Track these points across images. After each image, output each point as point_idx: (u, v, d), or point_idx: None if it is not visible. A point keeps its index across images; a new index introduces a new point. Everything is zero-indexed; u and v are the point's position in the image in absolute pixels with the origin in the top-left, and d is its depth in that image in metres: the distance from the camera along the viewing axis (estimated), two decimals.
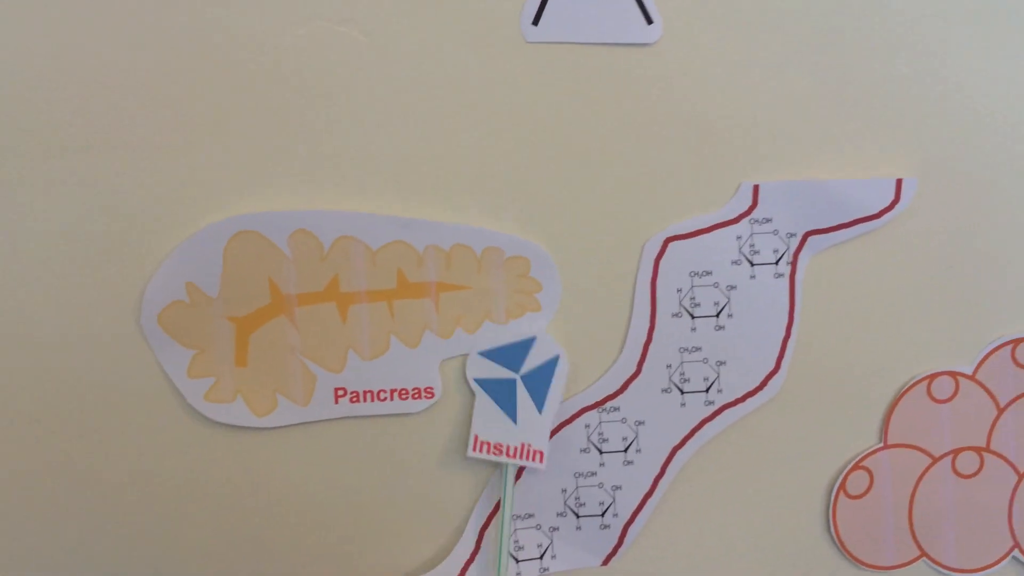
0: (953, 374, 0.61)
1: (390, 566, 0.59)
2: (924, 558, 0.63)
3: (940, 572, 0.63)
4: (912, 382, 0.61)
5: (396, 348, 0.57)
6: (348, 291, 0.56)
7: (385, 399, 0.57)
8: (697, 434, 0.60)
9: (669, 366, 0.59)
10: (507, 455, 0.58)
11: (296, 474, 0.58)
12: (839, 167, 0.59)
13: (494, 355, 0.60)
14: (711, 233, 0.58)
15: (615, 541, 0.61)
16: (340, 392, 0.56)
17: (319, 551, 0.59)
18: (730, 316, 0.59)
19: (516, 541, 0.59)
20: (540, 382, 0.59)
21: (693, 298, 0.59)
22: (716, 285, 0.59)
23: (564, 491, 0.60)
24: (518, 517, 0.59)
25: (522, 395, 0.58)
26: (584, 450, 0.59)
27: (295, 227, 0.54)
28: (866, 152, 0.59)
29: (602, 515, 0.60)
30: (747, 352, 0.59)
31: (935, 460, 0.62)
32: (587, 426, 0.59)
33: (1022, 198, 0.60)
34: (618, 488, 0.60)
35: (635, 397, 0.59)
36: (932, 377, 0.61)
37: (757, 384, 0.60)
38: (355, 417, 0.57)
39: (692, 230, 0.58)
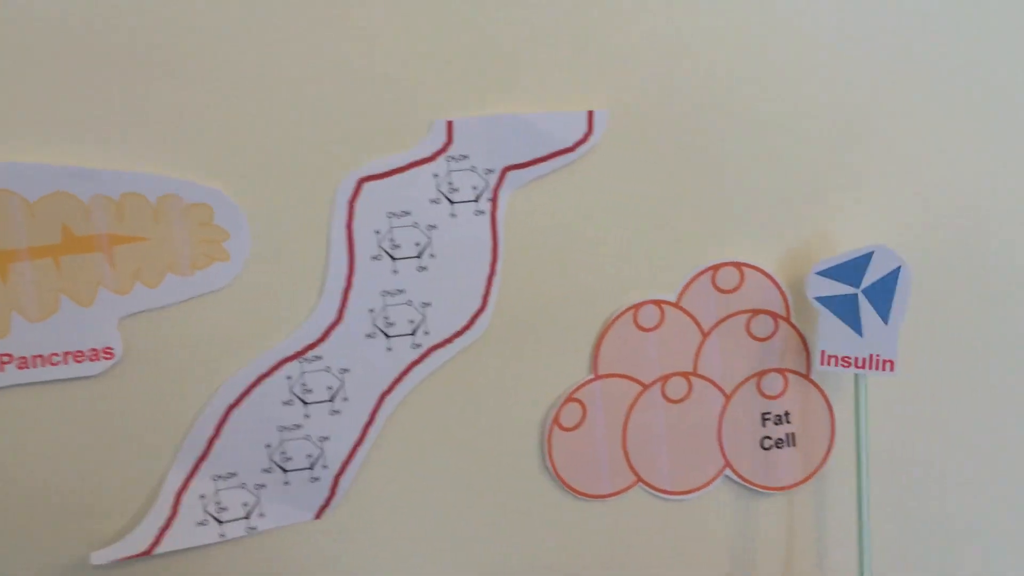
0: (658, 302, 0.62)
1: (79, 538, 0.55)
2: (640, 484, 0.64)
3: (656, 496, 0.64)
4: (618, 312, 0.61)
5: (67, 307, 0.52)
6: (6, 248, 0.50)
7: (58, 363, 0.52)
8: (406, 378, 0.59)
9: (372, 310, 0.57)
10: (856, 366, 0.59)
11: None
12: (533, 101, 0.57)
13: (833, 272, 0.59)
14: (407, 172, 0.56)
15: (327, 493, 0.59)
16: (5, 359, 0.51)
17: None
18: (432, 256, 0.57)
19: (218, 503, 0.56)
20: (884, 294, 0.58)
21: (393, 239, 0.57)
22: (416, 225, 0.57)
23: (268, 446, 0.57)
24: (219, 477, 0.56)
25: (866, 308, 0.58)
26: (287, 403, 0.57)
27: None
28: (560, 85, 0.58)
29: (311, 468, 0.58)
30: (452, 292, 0.58)
31: (645, 387, 0.63)
32: (289, 377, 0.56)
33: (715, 129, 0.61)
34: (326, 439, 0.58)
35: (338, 344, 0.57)
36: (638, 306, 0.61)
37: (464, 324, 0.59)
38: (25, 384, 0.52)
39: (387, 169, 0.56)
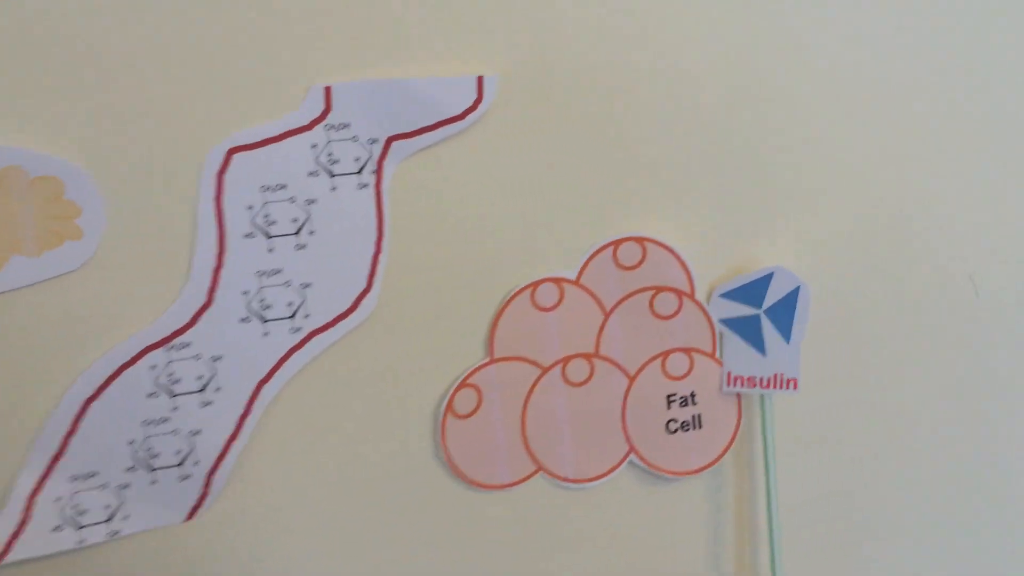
0: (557, 280, 0.58)
1: None
2: (541, 472, 0.60)
3: (558, 485, 0.61)
4: (515, 291, 0.57)
5: None
6: None
7: None
8: (285, 365, 0.54)
9: (246, 293, 0.52)
10: (761, 386, 0.60)
11: None
12: (420, 65, 0.53)
13: (735, 294, 0.61)
14: (282, 142, 0.52)
15: (199, 492, 0.54)
16: None
17: None
18: (312, 233, 0.53)
19: (77, 505, 0.51)
20: (785, 313, 0.60)
21: (267, 215, 0.52)
22: (293, 200, 0.52)
23: (132, 443, 0.52)
24: (77, 478, 0.51)
25: (768, 328, 0.59)
26: (152, 394, 0.51)
27: None
28: (448, 48, 0.53)
29: (180, 465, 0.53)
30: (334, 272, 0.54)
31: (545, 370, 0.59)
32: (153, 367, 0.51)
33: (616, 96, 0.58)
34: (197, 433, 0.53)
35: (209, 330, 0.52)
36: (535, 285, 0.58)
37: (348, 306, 0.54)
38: None
39: (259, 139, 0.51)
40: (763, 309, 0.62)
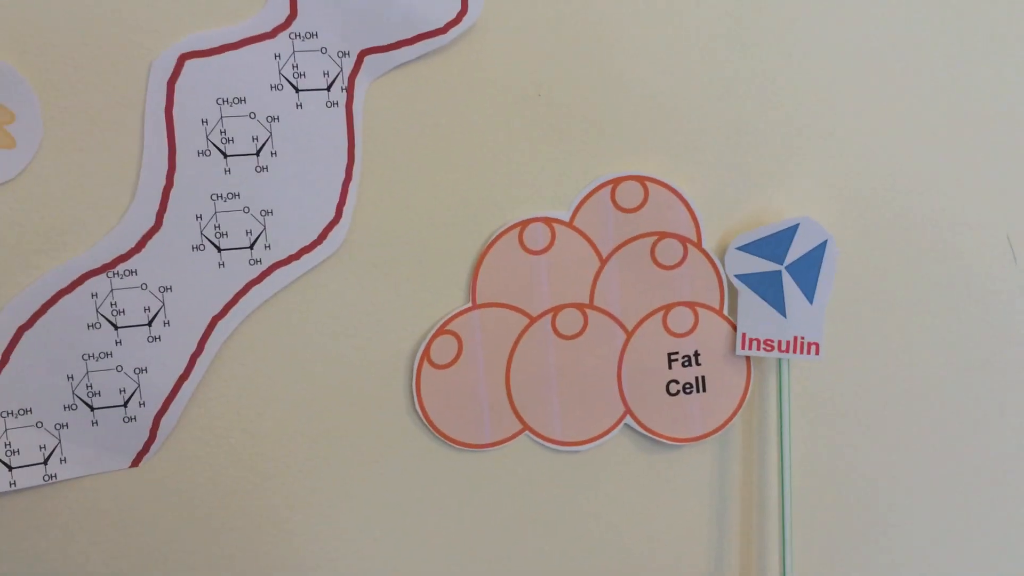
0: (548, 220, 0.52)
1: None
2: (527, 432, 0.55)
3: (545, 446, 0.55)
4: (500, 231, 0.51)
5: None
6: None
7: None
8: (242, 300, 0.49)
9: (199, 217, 0.46)
10: (780, 350, 0.54)
11: None
12: None
13: (754, 248, 0.53)
14: (241, 50, 0.46)
15: (145, 436, 0.48)
16: None
17: None
18: (274, 154, 0.47)
19: (8, 444, 0.46)
20: (808, 270, 0.53)
21: (224, 131, 0.46)
22: (253, 115, 0.46)
23: (70, 378, 0.46)
24: (8, 414, 0.46)
25: (790, 287, 0.52)
26: (93, 325, 0.46)
27: None
28: None
29: (124, 405, 0.47)
30: (299, 199, 0.48)
31: (533, 320, 0.53)
32: (94, 295, 0.46)
33: (610, 12, 0.53)
34: (143, 371, 0.47)
35: (157, 257, 0.46)
36: (524, 224, 0.52)
37: (314, 237, 0.49)
38: None
39: (215, 45, 0.46)
40: (785, 265, 0.55)
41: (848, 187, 0.55)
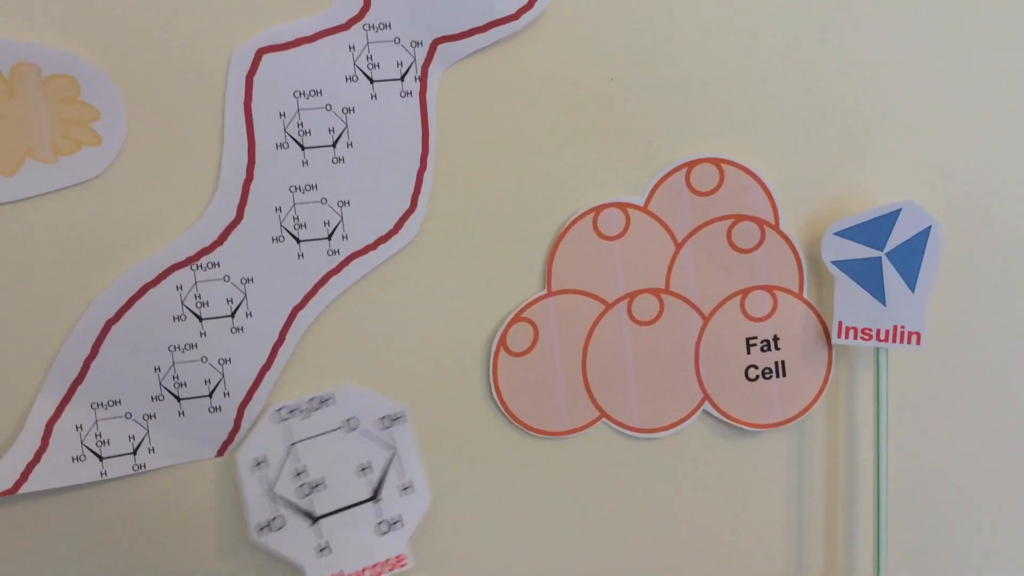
0: (622, 205, 0.52)
1: None
2: (604, 419, 0.54)
3: (623, 434, 0.55)
4: (574, 217, 0.51)
5: None
6: None
7: None
8: (321, 290, 0.49)
9: (278, 209, 0.47)
10: (878, 339, 0.52)
11: None
12: None
13: (853, 233, 0.52)
14: (316, 42, 0.46)
15: (230, 426, 0.49)
16: None
17: None
18: (350, 146, 0.47)
19: (99, 435, 0.47)
20: (911, 257, 0.51)
21: (301, 124, 0.47)
22: (329, 107, 0.47)
23: (158, 369, 0.47)
24: (99, 405, 0.47)
25: (890, 274, 0.51)
26: (179, 317, 0.47)
27: None
28: None
29: (210, 396, 0.48)
30: (375, 189, 0.48)
31: (608, 306, 0.53)
32: (179, 287, 0.47)
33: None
34: (227, 362, 0.48)
35: (239, 249, 0.47)
36: (598, 210, 0.51)
37: (391, 227, 0.49)
38: None
39: (291, 39, 0.46)
40: (885, 251, 0.54)
41: (939, 171, 0.54)
